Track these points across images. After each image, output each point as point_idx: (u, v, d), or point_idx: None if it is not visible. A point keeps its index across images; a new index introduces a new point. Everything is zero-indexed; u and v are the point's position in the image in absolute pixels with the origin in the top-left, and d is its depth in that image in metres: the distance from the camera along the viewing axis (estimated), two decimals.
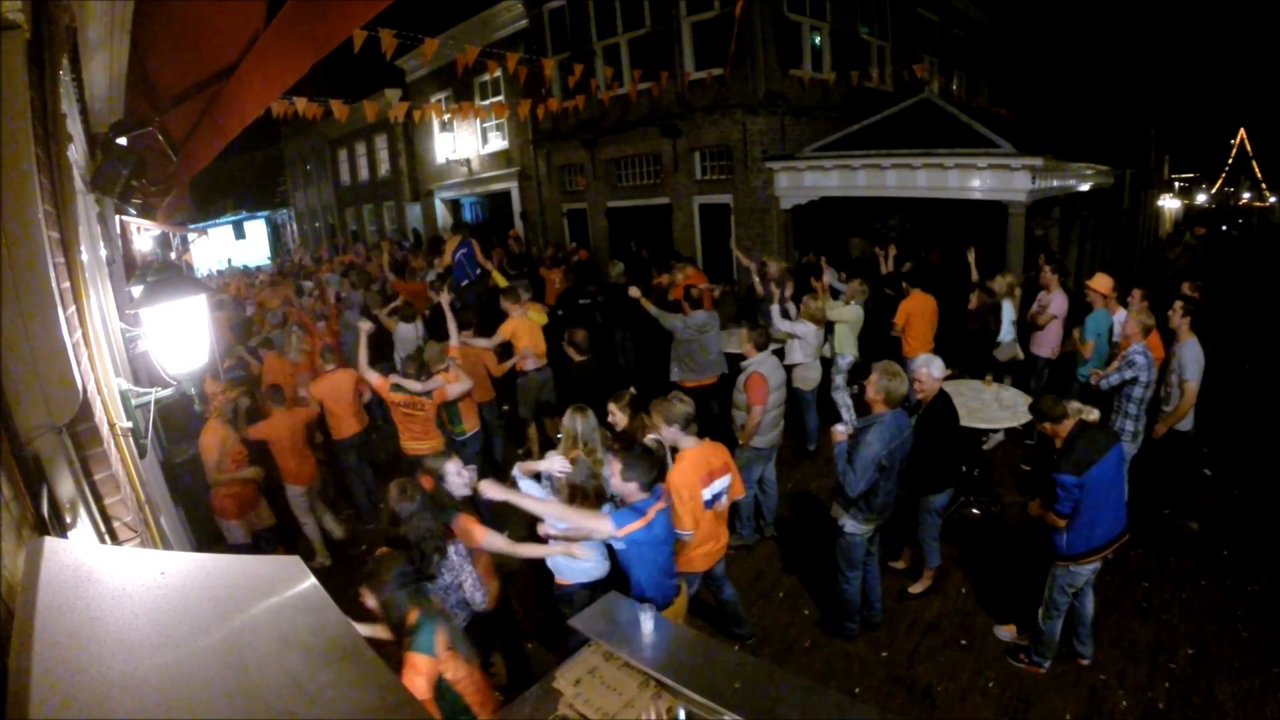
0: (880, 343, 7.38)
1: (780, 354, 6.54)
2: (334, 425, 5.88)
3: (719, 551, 3.78)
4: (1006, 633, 4.11)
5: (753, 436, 4.79)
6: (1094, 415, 3.56)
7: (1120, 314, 5.72)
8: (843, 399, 3.88)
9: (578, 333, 5.37)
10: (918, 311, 6.69)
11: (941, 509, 4.37)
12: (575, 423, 3.68)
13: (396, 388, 5.08)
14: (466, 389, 5.27)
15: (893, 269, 7.99)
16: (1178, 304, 4.80)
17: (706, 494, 3.53)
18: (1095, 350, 5.58)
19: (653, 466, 3.08)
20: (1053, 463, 3.48)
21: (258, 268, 20.12)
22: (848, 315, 6.50)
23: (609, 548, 3.29)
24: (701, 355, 6.16)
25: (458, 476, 3.40)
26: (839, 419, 3.80)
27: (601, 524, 3.03)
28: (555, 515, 3.23)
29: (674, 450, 3.70)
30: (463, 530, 3.22)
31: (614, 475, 3.07)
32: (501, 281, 7.83)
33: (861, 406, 3.88)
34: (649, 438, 3.77)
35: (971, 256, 7.34)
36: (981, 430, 5.24)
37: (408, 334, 7.59)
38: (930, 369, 4.17)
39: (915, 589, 4.55)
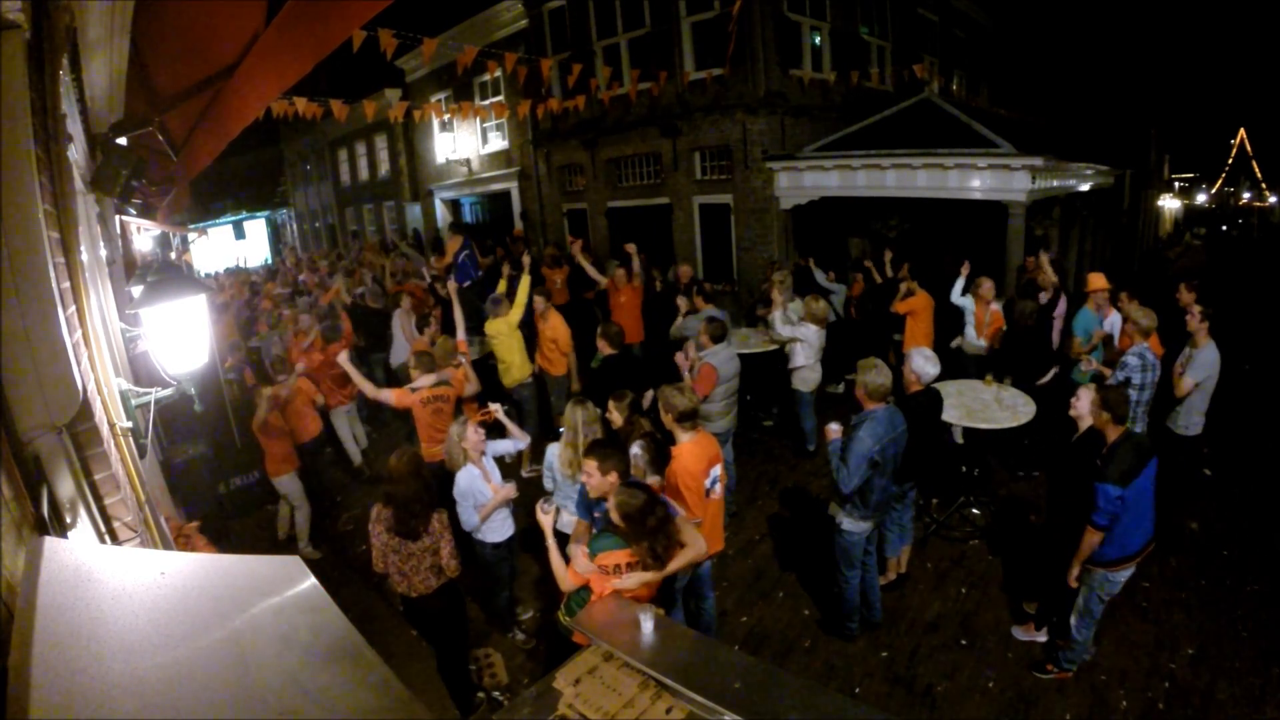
0: (880, 344, 7.40)
1: (784, 357, 6.53)
2: (298, 428, 5.98)
3: (715, 542, 3.81)
4: (1025, 633, 4.10)
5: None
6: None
7: (1115, 316, 5.73)
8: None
9: (612, 326, 5.40)
10: (922, 309, 6.97)
11: (896, 498, 4.31)
12: (575, 414, 3.89)
13: (415, 390, 4.96)
14: (475, 390, 5.24)
15: (890, 274, 7.99)
16: (1195, 309, 4.77)
17: (706, 482, 3.63)
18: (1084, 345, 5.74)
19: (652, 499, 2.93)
20: (1095, 470, 3.33)
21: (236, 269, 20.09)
22: (806, 335, 6.21)
23: None
24: None
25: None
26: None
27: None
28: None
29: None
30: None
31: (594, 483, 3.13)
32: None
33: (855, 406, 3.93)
34: (633, 449, 3.64)
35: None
36: (982, 430, 5.21)
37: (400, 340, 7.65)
38: (912, 362, 4.29)
39: (881, 580, 4.43)
